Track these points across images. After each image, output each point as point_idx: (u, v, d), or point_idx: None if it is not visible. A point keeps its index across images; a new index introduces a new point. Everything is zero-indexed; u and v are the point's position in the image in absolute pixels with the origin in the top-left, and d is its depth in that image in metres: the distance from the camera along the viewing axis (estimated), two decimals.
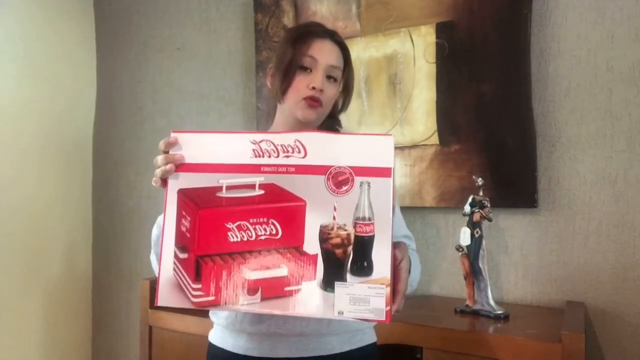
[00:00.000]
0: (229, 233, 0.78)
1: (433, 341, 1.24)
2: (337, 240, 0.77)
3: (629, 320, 1.36)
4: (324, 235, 0.78)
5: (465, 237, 1.39)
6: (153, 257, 0.99)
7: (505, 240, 1.53)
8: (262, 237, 0.79)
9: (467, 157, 1.55)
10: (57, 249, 2.26)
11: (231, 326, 0.94)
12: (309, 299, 0.77)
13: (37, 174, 2.18)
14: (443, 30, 1.59)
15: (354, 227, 0.77)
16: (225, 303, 0.77)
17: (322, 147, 0.80)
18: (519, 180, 1.47)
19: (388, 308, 0.75)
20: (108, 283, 2.36)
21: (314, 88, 0.94)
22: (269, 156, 0.80)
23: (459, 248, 1.41)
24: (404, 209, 1.64)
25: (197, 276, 0.77)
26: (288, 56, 0.96)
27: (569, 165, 1.45)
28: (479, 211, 1.38)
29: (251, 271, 0.77)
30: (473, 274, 1.38)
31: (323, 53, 0.96)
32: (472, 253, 1.38)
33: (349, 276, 0.77)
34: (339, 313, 0.76)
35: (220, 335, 0.98)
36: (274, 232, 0.79)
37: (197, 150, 0.82)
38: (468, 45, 1.56)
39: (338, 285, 0.77)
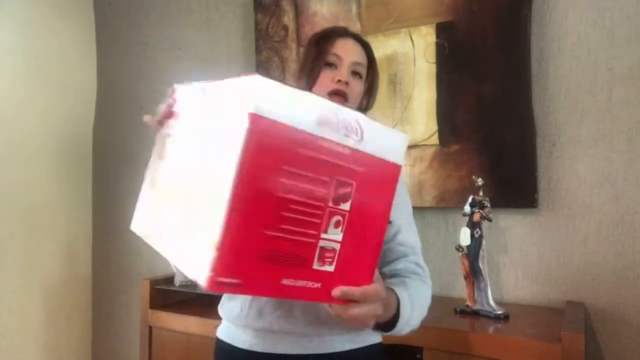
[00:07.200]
0: None
1: (433, 341, 1.24)
2: None
3: (629, 320, 1.36)
4: None
5: (465, 237, 1.39)
6: None
7: (505, 240, 1.53)
8: None
9: (467, 157, 1.55)
10: (57, 249, 2.26)
11: (237, 321, 0.96)
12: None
13: (37, 174, 2.18)
14: (443, 30, 1.59)
15: None
16: None
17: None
18: (519, 180, 1.47)
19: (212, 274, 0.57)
20: (108, 283, 2.36)
21: (339, 81, 0.94)
22: None
23: (459, 248, 1.41)
24: None
25: None
26: (312, 55, 0.97)
27: (569, 165, 1.45)
28: (479, 211, 1.38)
29: None
30: (473, 274, 1.38)
31: (347, 50, 0.96)
32: (472, 253, 1.38)
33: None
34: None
35: (227, 330, 1.00)
36: None
37: None
38: (468, 45, 1.56)
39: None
